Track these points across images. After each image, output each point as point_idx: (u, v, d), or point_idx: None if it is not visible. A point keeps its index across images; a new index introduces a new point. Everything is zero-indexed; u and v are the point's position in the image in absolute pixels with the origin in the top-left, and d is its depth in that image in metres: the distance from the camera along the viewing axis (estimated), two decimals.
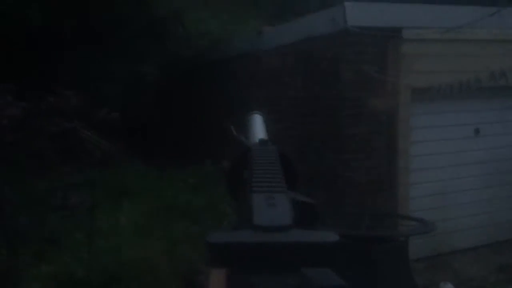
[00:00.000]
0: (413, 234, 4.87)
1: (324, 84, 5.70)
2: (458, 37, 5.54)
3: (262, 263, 0.41)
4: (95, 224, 4.79)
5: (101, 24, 8.82)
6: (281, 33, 6.85)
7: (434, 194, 5.91)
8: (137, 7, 9.53)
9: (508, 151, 6.30)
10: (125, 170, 7.94)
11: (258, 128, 0.89)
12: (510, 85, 5.63)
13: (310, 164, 5.92)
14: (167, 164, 8.13)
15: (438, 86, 5.27)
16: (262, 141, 0.75)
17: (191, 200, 6.42)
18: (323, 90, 5.72)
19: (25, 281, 4.36)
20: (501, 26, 5.73)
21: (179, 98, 11.21)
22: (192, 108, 10.37)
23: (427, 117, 5.79)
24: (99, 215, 5.10)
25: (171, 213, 6.13)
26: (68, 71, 8.42)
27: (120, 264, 4.61)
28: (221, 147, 8.46)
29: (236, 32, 10.66)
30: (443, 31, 5.46)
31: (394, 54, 5.42)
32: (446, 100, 5.71)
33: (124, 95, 9.86)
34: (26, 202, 4.91)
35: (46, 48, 8.20)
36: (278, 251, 0.41)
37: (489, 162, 6.20)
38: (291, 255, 0.41)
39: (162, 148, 10.19)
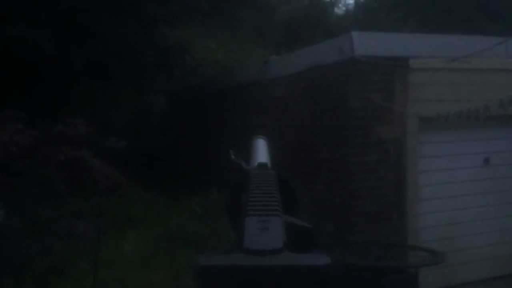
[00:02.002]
0: (423, 265, 4.78)
1: (331, 113, 5.70)
2: (465, 66, 5.55)
3: (252, 287, 0.40)
4: (100, 253, 4.74)
5: (110, 54, 8.96)
6: (288, 62, 6.91)
7: (444, 224, 5.82)
8: (145, 37, 9.69)
9: None
10: (132, 199, 7.93)
11: (261, 152, 0.87)
12: None
13: (317, 193, 5.87)
14: (173, 193, 8.11)
15: (446, 114, 5.25)
16: (261, 165, 0.74)
17: (197, 229, 6.36)
18: (330, 118, 5.72)
19: None
20: (508, 55, 5.75)
21: (186, 127, 11.26)
22: (199, 136, 10.40)
23: (435, 146, 5.76)
24: (105, 244, 5.05)
25: (177, 242, 6.07)
26: (78, 100, 8.52)
27: None
28: (228, 175, 8.45)
29: (243, 61, 10.79)
30: (449, 60, 5.48)
31: (401, 83, 5.44)
32: (455, 129, 5.68)
33: (132, 124, 9.93)
34: (32, 230, 4.89)
35: (56, 77, 8.32)
36: (268, 275, 0.40)
37: (500, 192, 6.12)
38: (281, 279, 0.40)
39: (169, 177, 10.18)
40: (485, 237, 6.06)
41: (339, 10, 23.03)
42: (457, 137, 5.86)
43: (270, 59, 7.72)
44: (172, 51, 10.37)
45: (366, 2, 20.10)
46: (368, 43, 5.29)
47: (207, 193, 6.90)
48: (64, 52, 7.61)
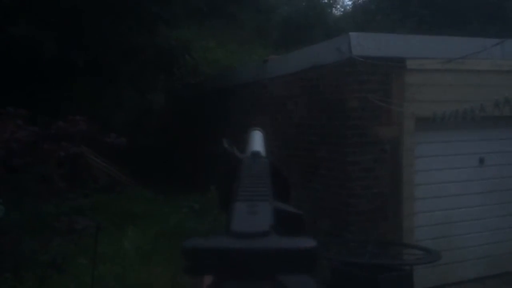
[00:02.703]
0: (418, 263, 4.84)
1: (329, 112, 5.76)
2: (462, 67, 5.63)
3: (237, 269, 0.39)
4: (99, 249, 4.79)
5: (111, 53, 9.01)
6: (286, 62, 6.97)
7: (439, 223, 5.89)
8: (145, 37, 9.74)
9: None
10: (131, 196, 7.98)
11: (256, 142, 0.87)
12: None
13: (315, 192, 5.93)
14: (172, 190, 8.16)
15: (442, 115, 5.32)
16: (254, 153, 0.73)
17: (196, 226, 6.42)
18: (328, 118, 5.78)
19: None
20: (504, 57, 5.82)
21: (186, 125, 11.32)
22: (198, 134, 10.46)
23: (432, 146, 5.82)
24: (104, 240, 5.10)
25: (176, 239, 6.12)
26: (79, 98, 8.57)
27: None
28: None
29: (242, 60, 10.84)
30: (446, 62, 5.55)
31: (398, 83, 5.50)
32: (450, 130, 5.75)
33: (132, 122, 9.98)
34: (31, 226, 4.94)
35: (57, 75, 8.37)
36: (253, 257, 0.39)
37: (494, 192, 6.19)
38: (267, 262, 0.39)
39: (168, 174, 10.23)
40: (480, 236, 6.13)
41: (337, 11, 23.12)
42: (453, 137, 5.93)
43: (269, 59, 7.78)
44: (172, 51, 10.43)
45: (364, 3, 20.18)
46: (365, 44, 5.35)
47: (205, 190, 6.95)
48: (65, 50, 7.66)
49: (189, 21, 11.81)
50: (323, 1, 20.29)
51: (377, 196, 5.48)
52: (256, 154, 0.73)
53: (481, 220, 6.14)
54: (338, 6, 23.94)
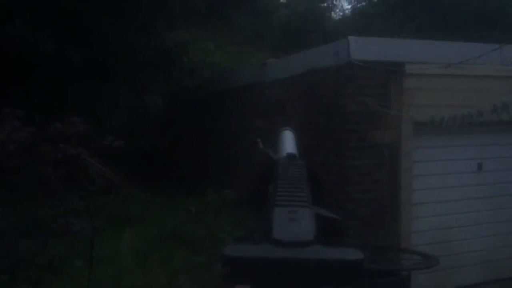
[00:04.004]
0: (416, 269, 4.83)
1: (328, 116, 5.75)
2: (460, 72, 5.63)
3: (281, 280, 0.38)
4: (95, 251, 4.76)
5: (108, 54, 8.99)
6: (285, 65, 6.96)
7: (437, 228, 5.88)
8: (143, 38, 9.73)
9: (511, 186, 6.29)
10: (128, 198, 7.95)
11: (288, 143, 0.87)
12: None
13: None
14: (170, 193, 8.13)
15: (440, 119, 5.32)
16: (289, 155, 0.73)
17: (193, 229, 6.39)
18: (327, 122, 5.77)
19: None
20: (503, 63, 5.83)
21: (183, 127, 11.29)
22: (196, 137, 10.44)
23: (430, 151, 5.82)
24: (100, 242, 5.07)
25: (172, 242, 6.09)
26: (76, 99, 8.54)
27: None
28: (223, 176, 8.46)
29: (240, 63, 10.83)
30: (445, 66, 5.55)
31: (397, 88, 5.50)
32: (449, 135, 5.75)
33: (129, 124, 9.96)
34: (28, 227, 4.91)
35: (55, 75, 8.34)
36: (298, 268, 0.38)
37: (493, 197, 6.18)
38: (311, 273, 0.38)
39: (165, 177, 10.20)
40: (478, 242, 6.12)
41: (336, 15, 23.15)
42: (451, 143, 5.93)
43: (267, 62, 7.77)
44: (170, 53, 10.42)
45: (363, 7, 20.21)
46: (364, 48, 5.34)
47: (203, 193, 6.93)
48: (62, 51, 7.63)
49: (187, 23, 11.81)
50: (322, 5, 20.32)
51: (375, 200, 5.46)
52: (291, 156, 0.72)
53: (479, 225, 6.13)
54: (337, 10, 23.95)
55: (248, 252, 0.39)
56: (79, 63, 7.85)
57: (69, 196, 5.74)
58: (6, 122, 4.61)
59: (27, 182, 5.12)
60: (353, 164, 5.39)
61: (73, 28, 8.01)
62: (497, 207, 6.21)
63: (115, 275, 4.94)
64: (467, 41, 6.40)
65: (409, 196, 5.62)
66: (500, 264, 6.20)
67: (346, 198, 5.42)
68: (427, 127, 5.49)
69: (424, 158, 5.76)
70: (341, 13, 23.85)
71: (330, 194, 5.68)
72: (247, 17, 15.46)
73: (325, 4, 21.43)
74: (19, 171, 4.83)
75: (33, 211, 5.27)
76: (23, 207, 5.17)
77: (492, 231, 6.20)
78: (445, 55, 5.68)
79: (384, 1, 18.11)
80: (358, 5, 21.14)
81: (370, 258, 4.72)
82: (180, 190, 8.33)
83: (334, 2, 23.09)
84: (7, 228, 4.60)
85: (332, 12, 22.38)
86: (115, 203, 7.36)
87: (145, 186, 8.87)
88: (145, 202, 8.07)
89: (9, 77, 7.45)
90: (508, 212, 6.28)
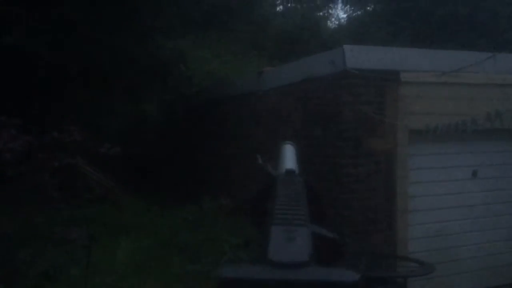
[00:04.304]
0: (412, 276, 4.84)
1: (323, 124, 5.79)
2: (455, 80, 5.68)
3: None
4: (92, 259, 4.77)
5: (106, 63, 9.02)
6: (281, 74, 7.01)
7: (433, 235, 5.90)
8: (140, 47, 9.77)
9: (506, 193, 6.33)
10: (124, 206, 7.94)
11: (288, 158, 0.86)
12: (506, 127, 5.74)
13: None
14: (166, 201, 8.13)
15: (435, 127, 5.36)
16: (288, 172, 0.69)
17: (189, 237, 6.39)
18: (322, 130, 5.80)
19: None
20: (497, 71, 5.89)
21: (180, 136, 11.31)
22: (193, 145, 10.45)
23: (425, 158, 5.85)
24: (97, 251, 5.07)
25: (169, 250, 6.09)
26: (73, 107, 8.56)
27: None
28: (220, 183, 8.47)
29: (237, 72, 10.88)
30: (439, 74, 5.61)
31: (392, 96, 5.54)
32: (444, 142, 5.79)
33: (126, 132, 9.97)
34: (25, 236, 4.91)
35: (52, 84, 8.36)
36: None
37: (488, 204, 6.22)
38: None
39: (162, 185, 10.20)
40: (474, 249, 6.15)
41: (332, 24, 23.31)
42: (447, 150, 5.97)
43: (264, 70, 7.81)
44: (167, 61, 10.46)
45: (358, 16, 20.36)
46: (359, 57, 5.40)
47: (199, 201, 6.94)
48: (59, 59, 7.66)
49: (184, 32, 11.87)
50: (318, 14, 20.47)
51: (371, 208, 5.49)
52: (290, 172, 0.66)
53: (475, 232, 6.16)
54: (333, 19, 24.14)
55: (244, 274, 0.39)
56: (76, 72, 7.88)
57: (66, 205, 5.74)
58: (3, 131, 4.63)
59: (24, 191, 5.13)
60: (349, 171, 5.42)
61: (71, 37, 8.05)
62: (492, 214, 6.25)
63: (111, 284, 4.94)
64: (461, 50, 6.47)
65: (405, 203, 5.65)
66: (496, 271, 6.22)
67: (342, 206, 5.44)
68: (422, 135, 5.53)
69: (420, 166, 5.79)
70: (337, 22, 24.02)
71: (326, 202, 5.70)
72: (244, 26, 15.55)
73: (321, 13, 21.59)
74: (16, 179, 4.83)
75: (30, 220, 5.26)
76: (20, 215, 5.17)
77: (488, 238, 6.23)
78: (439, 63, 5.74)
79: (379, 11, 18.26)
80: (354, 14, 21.30)
81: (367, 265, 4.73)
82: (177, 198, 8.33)
83: (330, 11, 23.28)
84: (4, 236, 4.60)
85: (328, 21, 22.55)
86: (112, 211, 7.35)
87: (142, 194, 8.87)
88: (142, 210, 8.06)
89: (6, 85, 7.47)
90: (504, 219, 6.32)
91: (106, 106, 9.48)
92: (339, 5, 22.75)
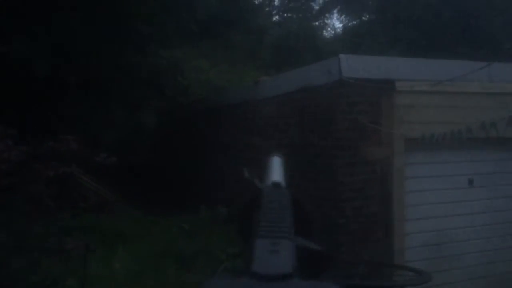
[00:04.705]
0: (409, 285, 4.83)
1: (320, 133, 5.81)
2: (450, 89, 5.72)
3: None
4: (88, 270, 4.74)
5: (103, 73, 9.04)
6: (277, 83, 7.03)
7: (430, 244, 5.90)
8: (137, 56, 9.80)
9: (502, 202, 6.34)
10: (121, 215, 7.91)
11: (276, 171, 0.85)
12: (501, 136, 5.77)
13: None
14: (163, 209, 8.11)
15: (431, 136, 5.39)
16: (274, 184, 0.71)
17: (186, 246, 6.37)
18: (319, 139, 5.82)
19: None
20: (491, 80, 5.93)
21: (177, 145, 11.31)
22: (189, 154, 10.45)
23: (422, 167, 5.87)
24: (93, 261, 5.05)
25: (166, 260, 6.06)
26: (70, 117, 8.56)
27: None
28: (217, 192, 8.46)
29: (234, 81, 10.92)
30: (434, 84, 5.64)
31: (388, 105, 5.57)
32: (440, 151, 5.81)
33: (122, 141, 9.95)
34: (20, 246, 4.87)
35: (48, 93, 8.36)
36: None
37: (484, 213, 6.23)
38: None
39: (159, 194, 10.18)
40: (471, 257, 6.14)
41: (328, 33, 23.46)
42: (443, 159, 5.99)
43: (260, 80, 7.84)
44: (164, 71, 10.49)
45: (354, 26, 20.50)
46: (355, 66, 5.43)
47: (196, 210, 6.93)
48: (56, 69, 7.68)
49: (181, 42, 11.91)
50: (314, 24, 20.60)
51: (368, 217, 5.49)
52: (276, 185, 0.71)
53: (472, 241, 6.16)
54: (329, 29, 24.31)
55: (227, 287, 0.40)
56: (72, 81, 7.89)
57: (62, 214, 5.72)
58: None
59: (20, 201, 5.10)
60: (345, 180, 5.42)
61: (67, 47, 8.06)
62: (489, 222, 6.25)
63: None
64: (456, 59, 6.52)
65: (401, 212, 5.65)
66: (493, 280, 6.21)
67: (339, 215, 5.44)
68: (418, 144, 5.55)
69: (416, 174, 5.80)
70: (333, 32, 24.19)
71: (322, 210, 5.70)
72: (240, 36, 15.63)
73: (317, 23, 21.74)
74: (12, 189, 4.81)
75: (25, 230, 5.23)
76: (15, 226, 5.14)
77: (485, 247, 6.23)
78: (434, 72, 5.78)
79: (374, 20, 18.39)
80: (350, 24, 21.46)
81: (364, 275, 4.72)
82: (173, 207, 8.30)
83: (326, 21, 23.44)
84: None
85: (324, 31, 22.71)
86: (108, 221, 7.32)
87: (139, 203, 8.84)
88: (138, 219, 8.03)
89: (2, 95, 7.47)
90: (500, 227, 6.32)
91: (103, 116, 9.48)
92: (335, 15, 22.93)
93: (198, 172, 9.80)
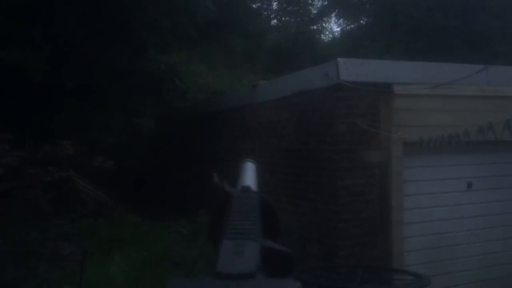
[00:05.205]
0: None
1: (318, 137, 5.79)
2: (448, 92, 5.72)
3: None
4: (85, 275, 4.71)
5: (101, 77, 9.03)
6: (275, 87, 7.03)
7: (429, 248, 5.88)
8: (135, 61, 9.80)
9: (500, 205, 6.33)
10: (118, 220, 7.88)
11: (248, 175, 0.87)
12: (499, 139, 5.77)
13: (304, 216, 5.91)
14: (161, 214, 8.09)
15: (429, 139, 5.38)
16: (244, 188, 0.73)
17: (184, 251, 6.34)
18: (317, 142, 5.81)
19: None
20: (489, 83, 5.93)
21: (174, 149, 11.29)
22: (187, 158, 10.43)
23: (420, 171, 5.86)
24: (91, 266, 5.02)
25: (163, 265, 6.03)
26: (68, 122, 8.55)
27: None
28: (214, 197, 8.45)
29: (232, 85, 10.91)
30: (432, 87, 5.64)
31: (386, 108, 5.56)
32: (438, 154, 5.80)
33: (120, 146, 9.94)
34: (17, 251, 4.84)
35: (46, 98, 8.36)
36: None
37: (483, 216, 6.21)
38: None
39: (157, 199, 10.15)
40: (470, 261, 6.12)
41: (326, 37, 23.50)
42: (441, 162, 5.97)
43: (258, 83, 7.84)
44: (162, 75, 10.49)
45: (352, 30, 20.54)
46: (353, 69, 5.42)
47: (194, 215, 6.90)
48: (54, 74, 7.67)
49: (179, 46, 11.92)
50: (312, 28, 20.63)
51: (366, 220, 5.47)
52: (246, 189, 0.73)
53: (471, 244, 6.14)
54: (327, 33, 24.35)
55: (190, 286, 0.41)
56: (70, 86, 7.88)
57: (59, 219, 5.69)
58: None
59: (17, 206, 5.08)
60: (344, 184, 5.41)
61: (64, 52, 8.06)
62: (487, 225, 6.24)
63: None
64: (453, 62, 6.52)
65: (400, 215, 5.64)
66: (492, 283, 6.19)
67: (337, 218, 5.42)
68: (417, 147, 5.54)
69: (415, 178, 5.79)
70: (331, 35, 24.23)
71: (321, 214, 5.68)
72: (238, 40, 15.65)
73: (315, 27, 21.77)
74: (9, 194, 4.79)
75: (22, 235, 5.20)
76: (12, 230, 5.11)
77: (484, 250, 6.21)
78: (432, 76, 5.77)
79: (372, 24, 18.43)
80: (347, 28, 21.50)
81: (363, 278, 4.70)
82: (171, 211, 8.28)
83: (324, 25, 23.49)
84: None
85: (322, 35, 22.73)
86: (105, 226, 7.29)
87: (136, 208, 8.81)
88: (136, 224, 8.00)
89: (1, 100, 7.45)
90: (499, 231, 6.31)
91: (101, 121, 9.47)
92: (333, 19, 22.98)
93: (196, 176, 9.77)
